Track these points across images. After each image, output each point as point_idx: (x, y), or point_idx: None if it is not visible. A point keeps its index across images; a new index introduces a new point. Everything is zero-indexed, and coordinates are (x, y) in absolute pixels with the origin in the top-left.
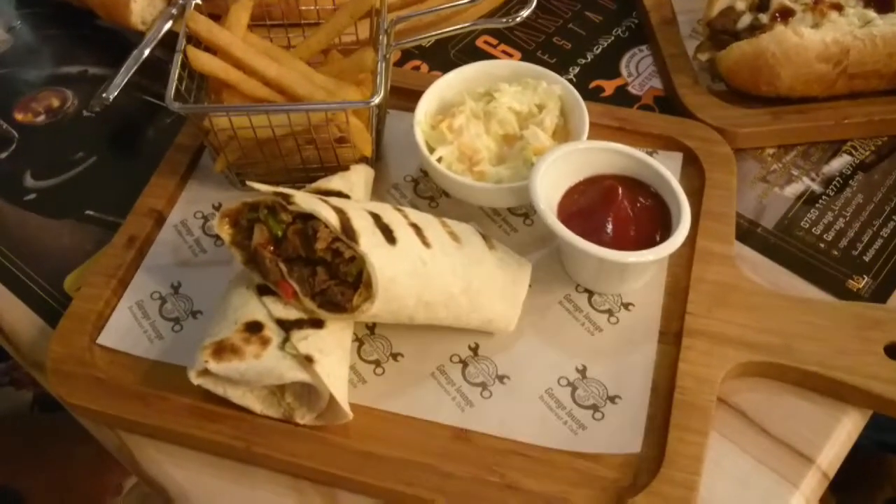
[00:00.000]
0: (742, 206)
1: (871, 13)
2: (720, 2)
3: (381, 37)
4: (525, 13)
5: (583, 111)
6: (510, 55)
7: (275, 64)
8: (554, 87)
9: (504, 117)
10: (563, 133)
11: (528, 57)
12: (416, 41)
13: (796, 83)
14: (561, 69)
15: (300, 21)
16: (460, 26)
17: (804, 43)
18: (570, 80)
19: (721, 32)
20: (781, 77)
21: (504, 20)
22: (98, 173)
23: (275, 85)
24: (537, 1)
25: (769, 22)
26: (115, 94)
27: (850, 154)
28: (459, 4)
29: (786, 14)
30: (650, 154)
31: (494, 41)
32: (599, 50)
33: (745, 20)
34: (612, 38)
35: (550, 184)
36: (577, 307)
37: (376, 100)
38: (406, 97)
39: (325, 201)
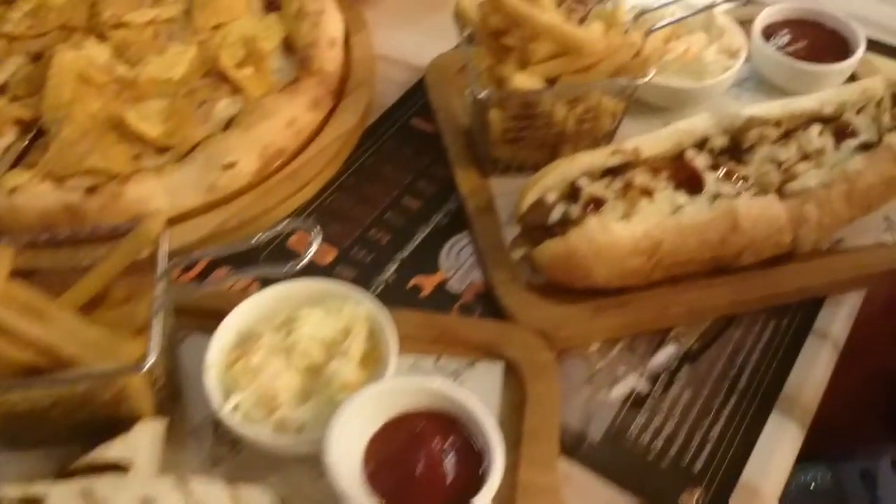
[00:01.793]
0: (567, 415)
1: (681, 197)
2: (530, 195)
3: (157, 285)
4: (304, 261)
5: (392, 333)
6: (325, 253)
7: (38, 323)
8: (359, 309)
9: (306, 348)
10: (374, 358)
11: (343, 254)
12: (202, 287)
13: (612, 278)
14: (378, 268)
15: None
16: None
17: (614, 240)
18: (387, 282)
19: (533, 228)
20: (595, 275)
21: (284, 269)
22: None
23: (39, 346)
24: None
25: (581, 213)
26: None
27: (677, 342)
28: (248, 244)
29: (597, 204)
30: (471, 364)
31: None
32: (418, 241)
33: (557, 213)
34: (432, 226)
35: (355, 431)
36: None
37: (147, 364)
38: (209, 317)
39: (92, 492)
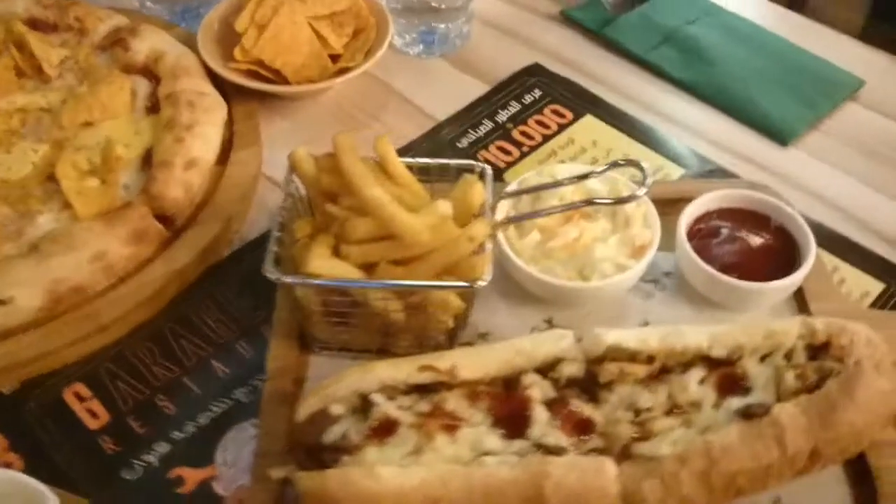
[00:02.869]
0: None
1: (493, 439)
2: (311, 402)
3: None
4: None
5: None
6: (96, 415)
7: None
8: None
9: None
10: None
11: (117, 420)
12: None
13: None
14: (145, 445)
15: None
16: None
17: (378, 489)
18: (148, 465)
19: (304, 445)
20: None
21: None
22: None
23: None
24: None
25: (363, 440)
26: None
27: None
28: None
29: (387, 430)
30: None
31: (87, 393)
32: (205, 420)
33: (336, 432)
34: (230, 403)
35: None
36: None
37: None
38: None
39: None
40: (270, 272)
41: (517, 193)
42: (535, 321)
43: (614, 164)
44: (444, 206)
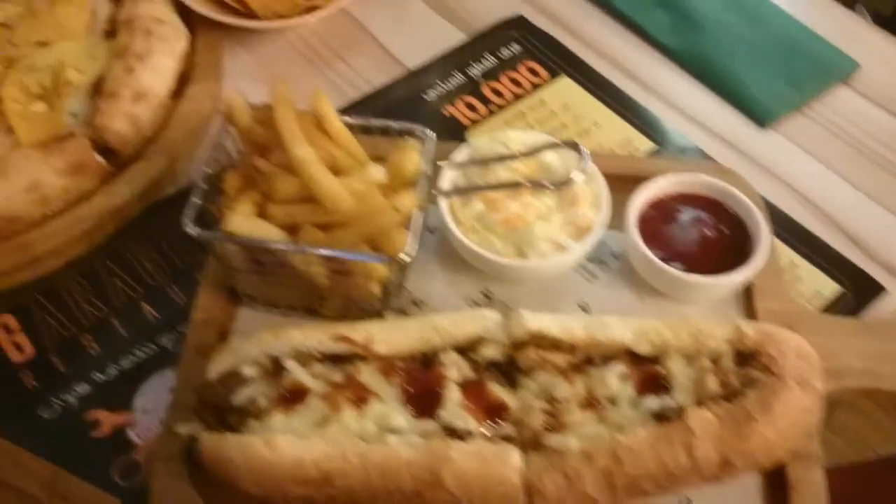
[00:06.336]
0: None
1: (401, 416)
2: (223, 359)
3: None
4: None
5: None
6: (21, 348)
7: None
8: None
9: None
10: None
11: (40, 356)
12: None
13: (273, 499)
14: (66, 385)
15: None
16: None
17: (276, 459)
18: (66, 404)
19: (211, 405)
20: (250, 492)
21: None
22: None
23: None
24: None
25: (272, 405)
26: None
27: None
28: None
29: (297, 397)
30: None
31: (15, 326)
32: (129, 364)
33: (245, 395)
34: (154, 349)
35: None
36: None
37: None
38: None
39: None
40: (189, 226)
41: (458, 166)
42: (473, 292)
43: (551, 146)
44: (376, 172)
